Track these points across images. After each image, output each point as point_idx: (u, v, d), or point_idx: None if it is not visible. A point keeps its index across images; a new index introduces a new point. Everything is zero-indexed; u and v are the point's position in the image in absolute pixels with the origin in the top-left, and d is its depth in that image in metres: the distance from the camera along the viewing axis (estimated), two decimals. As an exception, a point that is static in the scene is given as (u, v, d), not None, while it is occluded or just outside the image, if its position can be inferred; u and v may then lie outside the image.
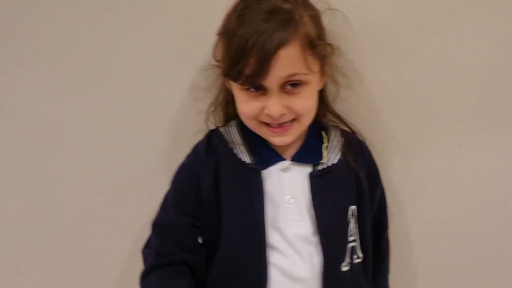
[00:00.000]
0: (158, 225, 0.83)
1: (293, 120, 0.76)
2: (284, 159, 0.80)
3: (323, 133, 0.84)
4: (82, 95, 0.93)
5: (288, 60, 0.69)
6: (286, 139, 0.77)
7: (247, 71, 0.69)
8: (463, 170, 0.91)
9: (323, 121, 0.86)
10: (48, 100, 0.94)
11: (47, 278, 1.03)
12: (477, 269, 0.96)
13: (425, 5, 0.84)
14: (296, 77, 0.71)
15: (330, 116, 0.87)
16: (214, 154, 0.81)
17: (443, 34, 0.85)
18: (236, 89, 0.76)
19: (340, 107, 0.88)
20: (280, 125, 0.76)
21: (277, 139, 0.77)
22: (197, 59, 0.87)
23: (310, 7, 0.76)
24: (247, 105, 0.75)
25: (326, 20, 0.78)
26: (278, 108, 0.72)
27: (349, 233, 0.80)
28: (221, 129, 0.84)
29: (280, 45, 0.68)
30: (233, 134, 0.82)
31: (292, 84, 0.72)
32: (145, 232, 0.89)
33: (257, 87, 0.73)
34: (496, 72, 0.86)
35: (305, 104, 0.75)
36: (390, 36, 0.86)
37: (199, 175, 0.80)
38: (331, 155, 0.81)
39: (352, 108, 0.89)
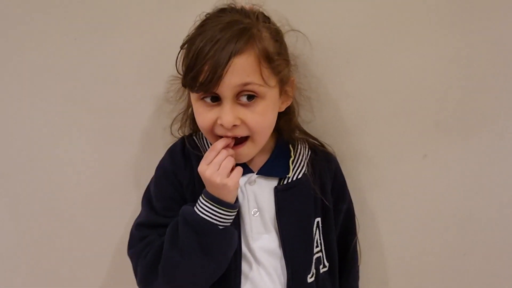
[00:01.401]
0: (146, 224, 0.81)
1: (246, 138, 0.76)
2: (252, 171, 0.81)
3: (290, 147, 0.84)
4: (52, 107, 0.95)
5: (242, 69, 0.69)
6: (240, 158, 0.77)
7: (201, 78, 0.69)
8: (428, 179, 0.93)
9: (292, 136, 0.86)
10: (25, 112, 0.95)
11: (27, 283, 1.05)
12: (445, 276, 0.98)
13: (385, 22, 0.86)
14: (250, 87, 0.71)
15: (298, 133, 0.87)
16: (189, 162, 0.82)
17: (404, 49, 0.87)
18: (194, 100, 0.76)
19: (309, 124, 0.90)
20: (234, 140, 0.75)
21: None
22: (165, 73, 0.88)
23: (271, 25, 0.77)
24: (203, 117, 0.75)
25: (287, 41, 0.80)
26: (230, 118, 0.71)
27: (314, 244, 0.82)
28: (194, 137, 0.85)
29: (233, 54, 0.68)
30: (204, 143, 0.83)
31: (247, 97, 0.72)
32: (119, 241, 0.91)
33: (213, 98, 0.73)
34: (456, 85, 0.88)
35: (258, 120, 0.73)
36: (351, 53, 0.88)
37: (180, 182, 0.81)
38: (296, 169, 0.82)
39: (321, 125, 0.91)
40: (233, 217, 0.75)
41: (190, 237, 0.73)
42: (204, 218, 0.73)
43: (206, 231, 0.73)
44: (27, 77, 0.93)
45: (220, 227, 0.74)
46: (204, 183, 0.75)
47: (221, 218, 0.73)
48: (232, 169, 0.74)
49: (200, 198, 0.75)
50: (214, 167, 0.73)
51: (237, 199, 0.77)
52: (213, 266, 0.75)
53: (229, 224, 0.75)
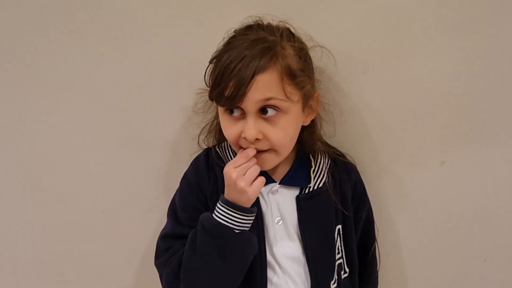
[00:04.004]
0: (171, 235, 0.84)
1: (270, 150, 0.78)
2: (274, 181, 0.84)
3: (311, 157, 0.87)
4: (85, 117, 0.96)
5: (264, 85, 0.72)
6: (263, 165, 0.79)
7: (227, 93, 0.73)
8: (447, 185, 0.95)
9: (313, 147, 0.88)
10: (51, 121, 0.97)
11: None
12: (464, 281, 1.00)
13: (403, 34, 0.88)
14: (272, 102, 0.74)
15: (319, 145, 0.89)
16: (213, 173, 0.84)
17: (421, 58, 0.88)
18: (220, 113, 0.79)
19: (331, 138, 0.92)
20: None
21: None
22: (193, 85, 0.90)
23: (296, 42, 0.79)
24: (228, 130, 0.78)
25: (313, 56, 0.82)
26: (253, 132, 0.74)
27: (336, 251, 0.85)
28: (217, 149, 0.87)
29: (257, 71, 0.71)
30: (228, 154, 0.86)
31: (270, 111, 0.74)
32: (145, 249, 0.92)
33: (238, 111, 0.76)
34: (473, 91, 0.89)
35: (280, 134, 0.76)
36: (371, 64, 0.89)
37: (204, 193, 0.84)
38: (317, 178, 0.85)
39: (342, 135, 0.93)
40: (250, 221, 0.78)
41: (207, 242, 0.77)
42: (220, 222, 0.76)
43: (222, 235, 0.76)
44: (57, 91, 0.95)
45: (236, 231, 0.77)
46: (226, 185, 0.78)
47: (236, 221, 0.76)
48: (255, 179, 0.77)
49: (218, 203, 0.78)
50: (242, 171, 0.76)
51: (254, 205, 0.79)
52: (232, 270, 0.78)
53: (246, 228, 0.78)
